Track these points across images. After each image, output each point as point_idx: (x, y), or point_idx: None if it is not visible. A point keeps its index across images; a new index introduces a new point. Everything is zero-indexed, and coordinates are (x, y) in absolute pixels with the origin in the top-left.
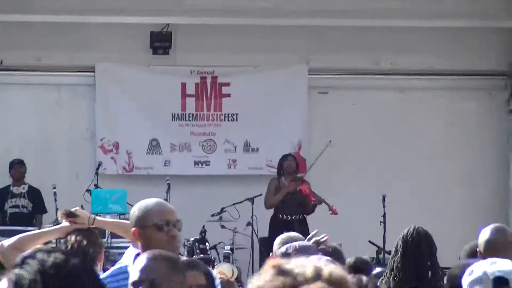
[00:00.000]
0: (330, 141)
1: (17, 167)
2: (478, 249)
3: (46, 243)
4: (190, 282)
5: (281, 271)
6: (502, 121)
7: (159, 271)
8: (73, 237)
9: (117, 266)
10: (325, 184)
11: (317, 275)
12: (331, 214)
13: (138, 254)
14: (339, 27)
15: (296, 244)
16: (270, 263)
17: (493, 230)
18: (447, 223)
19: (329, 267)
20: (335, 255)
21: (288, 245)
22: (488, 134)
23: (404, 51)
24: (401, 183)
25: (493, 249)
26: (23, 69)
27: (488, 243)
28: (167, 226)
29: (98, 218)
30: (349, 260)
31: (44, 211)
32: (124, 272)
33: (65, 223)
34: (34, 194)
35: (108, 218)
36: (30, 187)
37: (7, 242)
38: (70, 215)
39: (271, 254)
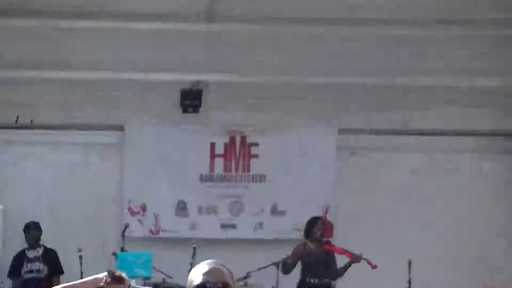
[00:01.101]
0: (362, 253)
1: (31, 231)
2: None
3: None
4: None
5: None
6: None
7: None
8: None
9: None
10: (351, 247)
11: None
12: (371, 268)
13: None
14: (367, 85)
15: None
16: None
17: None
18: None
19: None
20: None
21: None
22: None
23: (434, 110)
24: (428, 247)
25: None
26: (52, 128)
27: None
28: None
29: (133, 285)
30: None
31: (61, 271)
32: None
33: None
34: (49, 256)
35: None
36: (45, 249)
37: None
38: (116, 279)
39: None
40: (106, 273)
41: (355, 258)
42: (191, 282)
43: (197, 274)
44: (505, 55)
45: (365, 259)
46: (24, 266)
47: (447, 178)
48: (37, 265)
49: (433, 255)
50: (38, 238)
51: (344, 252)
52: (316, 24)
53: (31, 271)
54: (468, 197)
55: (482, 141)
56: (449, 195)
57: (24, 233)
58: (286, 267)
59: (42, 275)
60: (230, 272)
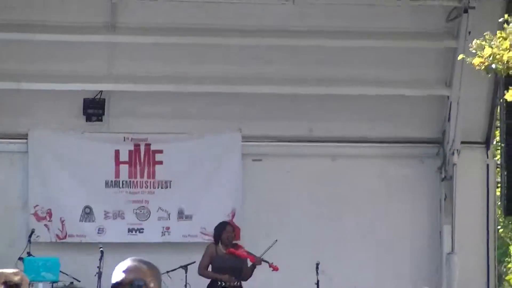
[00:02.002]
0: (276, 240)
1: None
2: None
3: None
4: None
5: None
6: (434, 188)
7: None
8: None
9: None
10: (259, 250)
11: None
12: (272, 270)
13: None
14: (272, 94)
15: None
16: None
17: None
18: None
19: None
20: None
21: None
22: (421, 201)
23: (338, 118)
24: (334, 250)
25: None
26: None
27: None
28: None
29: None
30: None
31: None
32: None
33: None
34: None
35: None
36: None
37: None
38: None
39: None
40: (10, 271)
41: (256, 261)
42: (112, 279)
43: (116, 272)
44: (407, 66)
45: (266, 262)
46: None
47: (351, 183)
48: None
49: (339, 258)
50: None
51: (247, 255)
52: (218, 34)
53: None
54: (371, 201)
55: (386, 148)
56: (353, 199)
57: None
58: (202, 271)
59: None
60: (153, 269)
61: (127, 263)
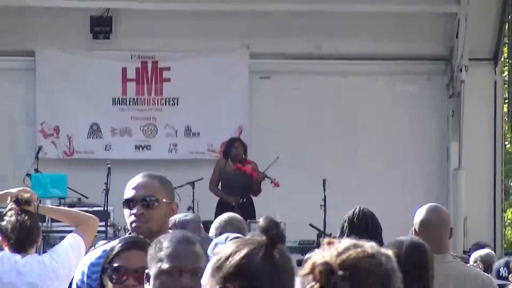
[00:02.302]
0: (278, 157)
1: None
2: (413, 228)
3: None
4: (135, 263)
5: None
6: (442, 104)
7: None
8: (16, 217)
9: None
10: (265, 167)
11: None
12: (273, 187)
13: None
14: (280, 11)
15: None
16: None
17: (428, 210)
18: (387, 205)
19: None
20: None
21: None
22: (429, 117)
23: (346, 35)
24: (342, 166)
25: (428, 228)
26: None
27: (423, 222)
28: None
29: (41, 205)
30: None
31: None
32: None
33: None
34: None
35: (49, 205)
36: None
37: None
38: (22, 203)
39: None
40: (16, 190)
41: (258, 177)
42: (124, 195)
43: (128, 188)
44: None
45: (268, 178)
46: None
47: (360, 100)
48: None
49: (347, 174)
50: None
51: (251, 171)
52: None
53: None
54: (380, 118)
55: (394, 65)
56: (361, 117)
57: None
58: (212, 187)
59: None
60: (165, 185)
61: (138, 179)
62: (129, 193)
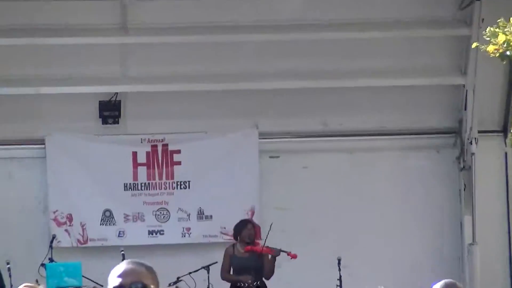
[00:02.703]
0: (272, 223)
1: None
2: None
3: None
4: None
5: None
6: (453, 178)
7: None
8: None
9: None
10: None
11: None
12: (291, 259)
13: None
14: (287, 90)
15: None
16: None
17: (443, 286)
18: (404, 283)
19: None
20: None
21: None
22: (440, 192)
23: (352, 111)
24: (354, 244)
25: None
26: None
27: None
28: None
29: None
30: None
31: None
32: None
33: None
34: None
35: None
36: None
37: None
38: None
39: None
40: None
41: (274, 252)
42: (108, 284)
43: (112, 276)
44: (420, 56)
45: (284, 251)
46: None
47: (369, 176)
48: None
49: (361, 252)
50: None
51: (265, 249)
52: (230, 31)
53: None
54: (390, 194)
55: (403, 140)
56: (371, 193)
57: None
58: (222, 271)
59: None
60: (151, 271)
61: (123, 266)
62: (115, 281)
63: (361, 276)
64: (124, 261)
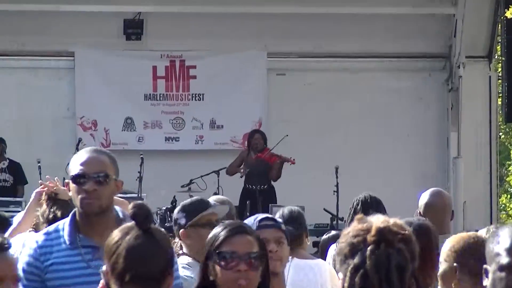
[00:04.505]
0: (287, 135)
1: None
2: (418, 211)
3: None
4: (244, 248)
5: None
6: (442, 98)
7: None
8: (49, 209)
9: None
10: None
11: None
12: (290, 164)
13: None
14: (293, 14)
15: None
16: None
17: (431, 193)
18: (394, 193)
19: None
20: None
21: None
22: (430, 111)
23: (351, 36)
24: (351, 155)
25: (431, 210)
26: (7, 54)
27: (427, 205)
28: None
29: None
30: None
31: (25, 182)
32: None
33: (34, 193)
34: (14, 168)
35: None
36: (11, 161)
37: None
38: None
39: None
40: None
41: (279, 159)
42: (70, 171)
43: (75, 163)
44: None
45: (286, 158)
46: None
47: (366, 94)
48: (3, 175)
49: (356, 162)
50: (2, 152)
51: (271, 157)
52: None
53: None
54: (385, 110)
55: (397, 63)
56: (370, 108)
57: None
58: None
59: (8, 185)
60: (113, 161)
61: (85, 154)
62: (78, 169)
63: (357, 184)
64: (86, 148)
